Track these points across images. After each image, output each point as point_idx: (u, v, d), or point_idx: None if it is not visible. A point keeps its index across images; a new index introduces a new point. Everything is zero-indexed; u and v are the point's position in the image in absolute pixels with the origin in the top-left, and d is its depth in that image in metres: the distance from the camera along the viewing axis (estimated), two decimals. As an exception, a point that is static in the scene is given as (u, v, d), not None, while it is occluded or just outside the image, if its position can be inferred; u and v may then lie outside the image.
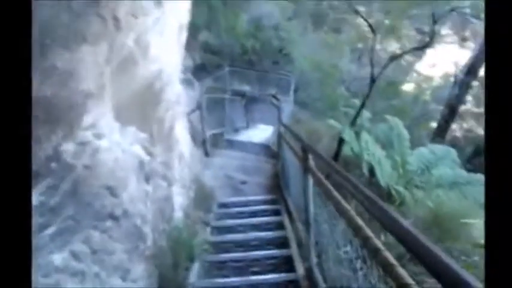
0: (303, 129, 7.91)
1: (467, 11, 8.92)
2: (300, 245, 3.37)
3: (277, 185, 5.59)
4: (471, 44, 14.69)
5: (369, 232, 1.49)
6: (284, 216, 4.30)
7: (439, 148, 6.50)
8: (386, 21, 11.60)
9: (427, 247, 0.99)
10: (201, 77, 10.04)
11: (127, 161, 2.39)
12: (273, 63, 13.07)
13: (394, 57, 7.40)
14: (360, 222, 1.63)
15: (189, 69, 9.80)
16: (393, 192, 5.10)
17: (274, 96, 9.86)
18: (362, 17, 7.39)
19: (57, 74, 1.59)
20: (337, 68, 13.77)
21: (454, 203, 4.51)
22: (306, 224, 2.84)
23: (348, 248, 1.81)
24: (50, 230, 1.74)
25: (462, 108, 12.38)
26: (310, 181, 2.68)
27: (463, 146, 12.02)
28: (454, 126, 13.11)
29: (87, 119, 1.88)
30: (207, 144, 6.96)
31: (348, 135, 5.99)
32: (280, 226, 4.08)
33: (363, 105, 6.51)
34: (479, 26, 10.84)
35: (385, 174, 5.38)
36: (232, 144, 8.11)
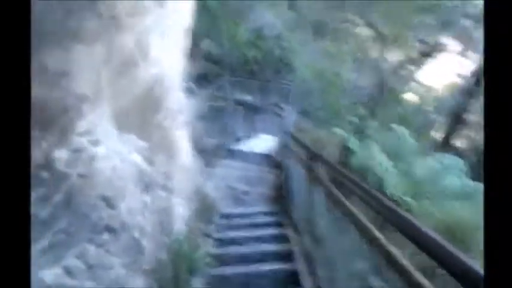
0: (306, 138, 7.82)
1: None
2: (306, 258, 3.23)
3: (280, 196, 5.47)
4: (473, 55, 14.63)
5: (389, 246, 1.36)
6: (288, 228, 4.16)
7: (446, 157, 6.39)
8: (389, 31, 11.61)
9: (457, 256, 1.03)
10: (202, 86, 9.99)
11: (125, 170, 2.27)
12: (274, 73, 13.05)
13: (398, 66, 7.34)
14: (378, 233, 1.51)
15: (191, 77, 9.78)
16: (401, 202, 4.97)
17: (277, 105, 9.79)
18: (373, 28, 7.35)
19: (48, 74, 1.47)
20: (339, 77, 13.73)
21: (464, 212, 4.40)
22: (313, 236, 2.71)
23: (363, 263, 1.68)
24: (41, 245, 1.62)
25: (470, 117, 12.29)
26: (319, 191, 2.56)
27: (469, 155, 11.89)
28: (460, 134, 12.98)
29: (82, 124, 1.76)
30: (208, 154, 6.85)
31: (354, 144, 5.89)
32: (284, 239, 3.93)
33: (371, 114, 6.43)
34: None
35: (393, 184, 5.25)
36: (234, 154, 8.00)
